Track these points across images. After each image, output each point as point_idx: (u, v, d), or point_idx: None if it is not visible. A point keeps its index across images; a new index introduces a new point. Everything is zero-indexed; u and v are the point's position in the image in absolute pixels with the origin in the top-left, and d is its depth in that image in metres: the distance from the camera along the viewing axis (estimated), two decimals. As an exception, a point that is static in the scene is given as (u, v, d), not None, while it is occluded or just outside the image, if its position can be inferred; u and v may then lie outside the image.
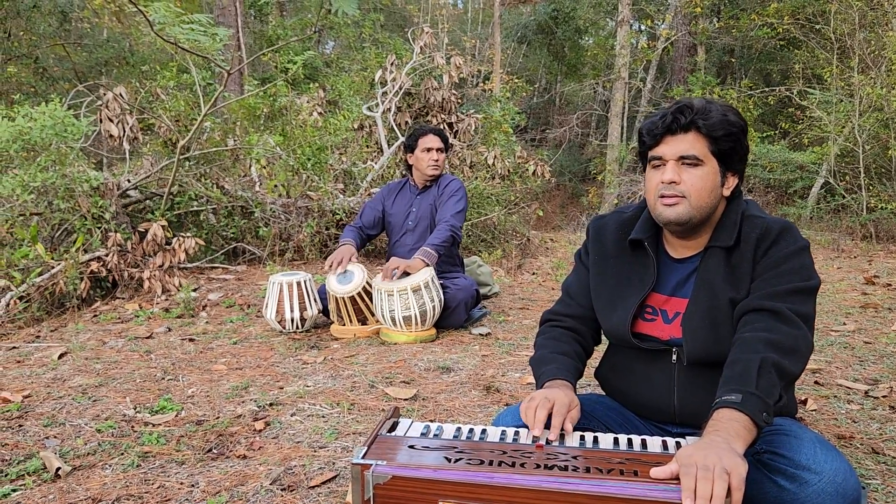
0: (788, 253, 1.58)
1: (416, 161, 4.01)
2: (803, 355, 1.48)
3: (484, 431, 1.53)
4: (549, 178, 8.67)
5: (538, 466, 1.32)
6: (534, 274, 6.21)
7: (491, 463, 1.34)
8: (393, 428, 1.56)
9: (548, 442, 1.46)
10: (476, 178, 7.58)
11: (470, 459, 1.35)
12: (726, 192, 1.64)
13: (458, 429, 1.54)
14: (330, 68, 13.67)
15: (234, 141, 6.13)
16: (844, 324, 3.91)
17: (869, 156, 9.00)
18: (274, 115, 6.49)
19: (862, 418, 2.47)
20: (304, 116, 6.88)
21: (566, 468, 1.32)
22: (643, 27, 18.05)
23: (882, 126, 9.02)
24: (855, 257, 7.10)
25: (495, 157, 8.02)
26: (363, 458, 1.37)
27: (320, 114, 7.74)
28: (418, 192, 4.07)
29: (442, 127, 8.16)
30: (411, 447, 1.44)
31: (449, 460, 1.35)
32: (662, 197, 1.59)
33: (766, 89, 13.46)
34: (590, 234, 1.87)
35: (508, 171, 8.10)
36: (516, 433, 1.51)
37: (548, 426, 1.49)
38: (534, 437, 1.47)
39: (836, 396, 2.71)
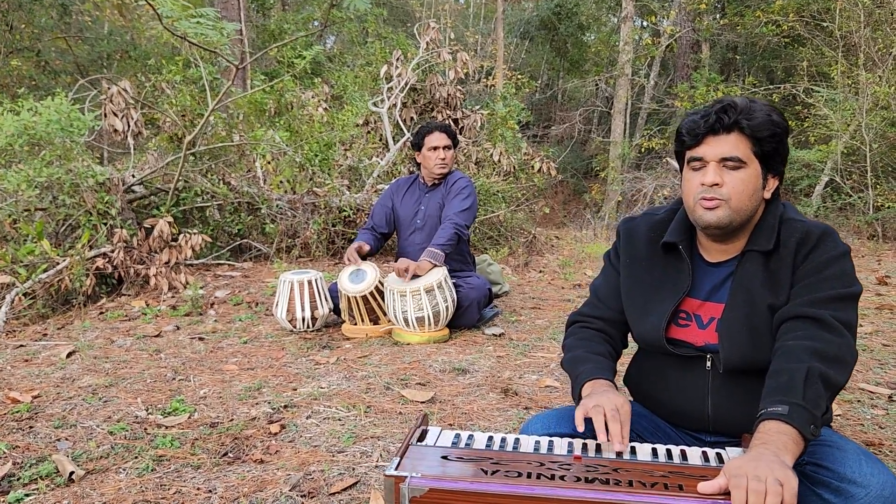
0: (830, 258, 1.53)
1: (423, 160, 3.95)
2: (848, 364, 1.44)
3: (517, 441, 1.48)
4: (554, 175, 8.62)
5: (578, 479, 1.28)
6: (541, 272, 6.16)
7: (529, 475, 1.29)
8: (422, 436, 1.51)
9: (618, 455, 1.41)
10: (482, 175, 7.53)
11: (507, 472, 1.31)
12: (767, 195, 1.59)
13: (490, 438, 1.50)
14: (332, 63, 13.60)
15: (240, 136, 6.07)
16: (861, 325, 3.87)
17: (876, 154, 8.95)
18: (281, 110, 6.43)
19: (889, 424, 2.43)
20: (311, 111, 6.82)
21: (608, 482, 1.27)
22: (646, 24, 17.96)
23: (889, 125, 8.98)
24: (863, 257, 7.06)
25: (501, 153, 7.97)
26: (397, 469, 1.32)
27: (325, 109, 7.68)
28: (427, 190, 4.01)
29: (448, 123, 8.11)
30: (444, 458, 1.39)
31: (486, 472, 1.31)
32: (703, 199, 1.54)
33: (771, 87, 13.40)
34: (620, 235, 1.81)
35: (514, 167, 8.05)
36: (550, 443, 1.47)
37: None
38: (617, 452, 1.40)
39: (859, 401, 2.67)
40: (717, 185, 1.52)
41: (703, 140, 1.54)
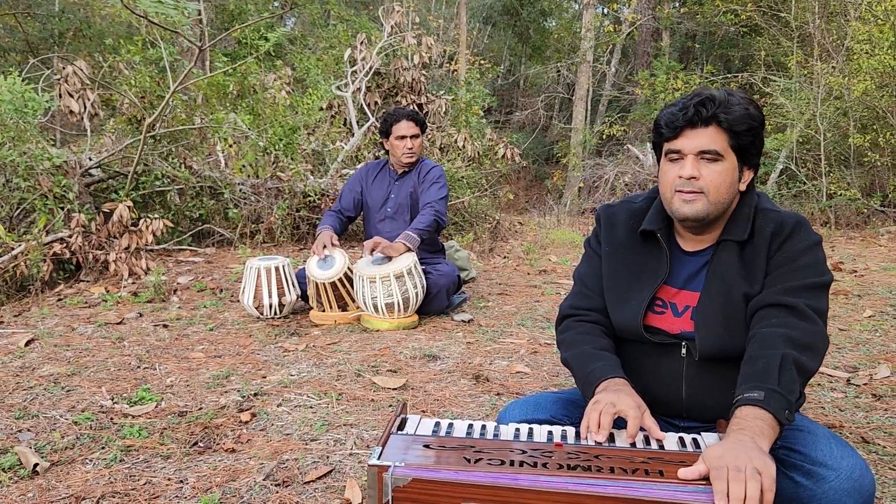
0: (803, 248, 1.56)
1: (391, 148, 3.92)
2: (820, 351, 1.48)
3: (497, 428, 1.49)
4: (518, 161, 8.65)
5: (561, 467, 1.29)
6: (505, 258, 6.19)
7: (512, 463, 1.30)
8: (402, 425, 1.51)
9: (597, 442, 1.41)
10: (446, 160, 7.51)
11: (490, 460, 1.31)
12: (742, 187, 1.62)
13: (471, 426, 1.50)
14: (294, 45, 13.38)
15: (201, 119, 5.95)
16: (817, 311, 3.97)
17: (829, 143, 9.17)
18: (243, 93, 6.31)
19: (848, 406, 2.51)
20: (274, 94, 6.70)
21: (590, 468, 1.28)
22: (608, 11, 18.06)
23: (842, 115, 9.20)
24: (817, 243, 7.23)
25: (465, 139, 7.96)
26: (379, 459, 1.31)
27: (288, 93, 7.57)
28: (397, 177, 3.98)
29: (414, 109, 8.06)
30: (427, 446, 1.39)
31: (469, 461, 1.31)
32: (680, 192, 1.56)
33: (729, 75, 13.61)
34: (601, 222, 1.82)
35: (478, 153, 8.04)
36: (530, 430, 1.48)
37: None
38: (596, 441, 1.41)
39: (819, 385, 2.75)
40: (694, 178, 1.54)
41: (681, 133, 1.55)
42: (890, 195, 8.65)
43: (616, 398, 1.46)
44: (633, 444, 1.41)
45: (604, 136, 15.31)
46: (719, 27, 15.41)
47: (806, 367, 1.42)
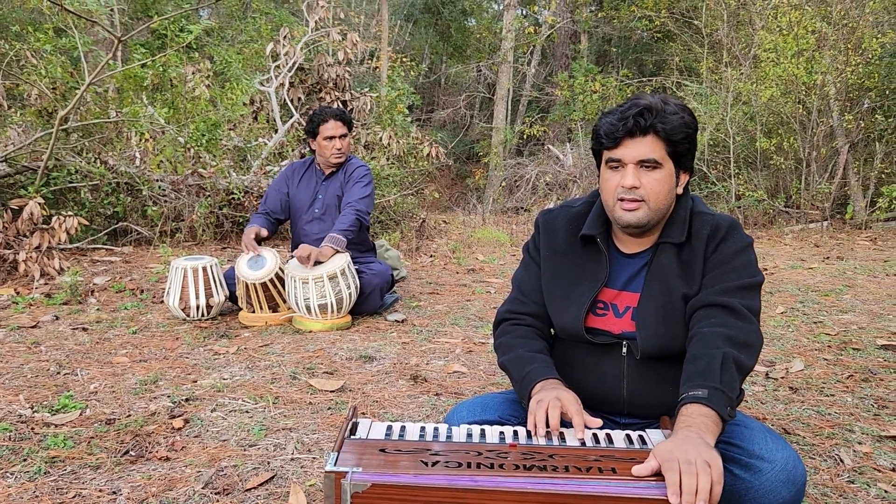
0: (737, 249, 1.64)
1: (318, 148, 3.84)
2: (756, 349, 1.55)
3: (450, 430, 1.50)
4: (442, 160, 8.68)
5: (517, 467, 1.31)
6: (431, 257, 6.21)
7: (469, 465, 1.31)
8: (354, 429, 1.50)
9: (548, 439, 1.45)
10: (372, 158, 7.47)
11: (448, 462, 1.32)
12: (679, 191, 1.68)
13: (423, 428, 1.50)
14: (210, 37, 12.99)
15: (117, 112, 5.70)
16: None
17: (738, 146, 9.61)
18: (162, 85, 6.08)
19: (768, 399, 2.65)
20: (195, 87, 6.49)
21: (545, 468, 1.31)
22: (528, 12, 18.35)
23: (749, 119, 9.66)
24: (728, 242, 7.57)
25: (390, 137, 7.93)
26: (336, 465, 1.30)
27: (207, 86, 7.35)
28: (324, 177, 3.90)
29: (336, 105, 7.97)
30: (383, 451, 1.38)
31: (426, 464, 1.31)
32: (622, 201, 1.61)
33: (644, 79, 14.08)
34: (540, 228, 1.85)
35: (403, 151, 8.03)
36: (482, 431, 1.50)
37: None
38: (501, 434, 1.45)
39: (740, 378, 2.88)
40: (635, 187, 1.59)
41: (620, 142, 1.60)
42: (793, 196, 9.14)
43: (557, 394, 1.50)
44: (584, 443, 1.45)
45: (524, 136, 15.56)
46: (634, 32, 15.94)
47: (744, 365, 1.49)
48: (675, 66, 13.17)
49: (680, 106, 1.64)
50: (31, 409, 2.47)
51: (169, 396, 2.59)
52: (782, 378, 2.88)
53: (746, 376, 1.53)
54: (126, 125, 5.79)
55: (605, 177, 1.65)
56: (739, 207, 9.12)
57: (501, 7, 17.71)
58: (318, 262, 3.45)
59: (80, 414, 2.44)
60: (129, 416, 2.42)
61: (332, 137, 3.77)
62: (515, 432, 1.49)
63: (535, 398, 1.51)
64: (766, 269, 5.44)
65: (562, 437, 1.48)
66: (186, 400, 2.56)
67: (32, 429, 2.31)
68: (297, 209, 3.90)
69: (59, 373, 2.85)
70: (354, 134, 7.83)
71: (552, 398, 1.48)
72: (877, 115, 8.78)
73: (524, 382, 1.62)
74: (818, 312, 4.00)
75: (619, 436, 1.49)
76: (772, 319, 3.83)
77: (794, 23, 9.00)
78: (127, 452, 2.16)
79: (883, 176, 8.94)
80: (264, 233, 3.69)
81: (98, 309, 3.86)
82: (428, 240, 7.15)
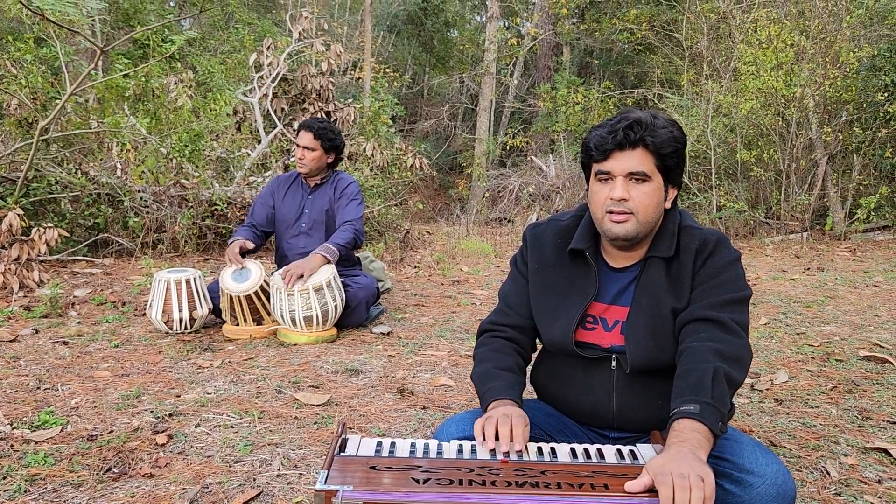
0: (725, 264, 1.65)
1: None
2: (746, 363, 1.56)
3: (440, 446, 1.48)
4: (426, 171, 8.69)
5: (510, 484, 1.30)
6: (415, 268, 6.20)
7: (461, 482, 1.30)
8: (343, 446, 1.48)
9: (506, 455, 1.44)
10: (355, 169, 7.45)
11: (439, 479, 1.31)
12: (667, 205, 1.69)
13: (413, 444, 1.49)
14: (192, 47, 12.95)
15: (98, 123, 5.65)
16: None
17: (719, 157, 9.72)
18: (144, 96, 6.04)
19: (754, 411, 2.66)
20: (178, 98, 6.45)
21: (538, 485, 1.30)
22: (510, 24, 18.47)
23: (729, 131, 9.77)
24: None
25: (374, 148, 7.92)
26: (326, 483, 1.29)
27: (190, 97, 7.31)
28: (310, 191, 3.88)
29: (320, 115, 7.96)
30: (373, 468, 1.37)
31: (417, 481, 1.30)
32: (611, 213, 1.61)
33: (625, 91, 14.21)
34: (527, 241, 1.85)
35: (387, 162, 8.03)
36: (473, 447, 1.48)
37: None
38: (492, 451, 1.44)
39: (725, 390, 2.89)
40: (624, 199, 1.60)
41: (610, 155, 1.61)
42: (774, 207, 9.24)
43: (506, 410, 1.51)
44: (575, 457, 1.45)
45: (507, 147, 15.63)
46: (616, 44, 16.08)
47: (735, 379, 1.50)
48: (656, 78, 13.30)
49: (669, 121, 1.65)
50: (11, 425, 2.42)
51: (152, 411, 2.55)
52: (767, 390, 2.89)
53: (736, 390, 1.54)
54: (107, 136, 5.73)
55: (595, 189, 1.66)
56: (721, 218, 9.21)
57: (484, 19, 17.80)
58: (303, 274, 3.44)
59: (61, 430, 2.40)
60: (112, 431, 2.38)
61: (298, 146, 3.77)
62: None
63: (486, 415, 1.52)
64: (748, 280, 5.47)
65: (553, 452, 1.47)
66: (170, 415, 2.52)
67: (12, 446, 2.26)
68: (283, 222, 3.87)
69: (39, 388, 2.80)
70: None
71: (501, 415, 1.48)
72: (854, 128, 8.91)
73: (483, 398, 1.63)
74: (801, 323, 4.04)
75: (610, 451, 1.49)
76: (756, 331, 3.86)
77: (774, 36, 9.12)
78: (109, 469, 2.12)
79: (861, 187, 9.07)
80: (250, 245, 3.66)
81: (79, 322, 3.81)
82: (412, 251, 7.14)
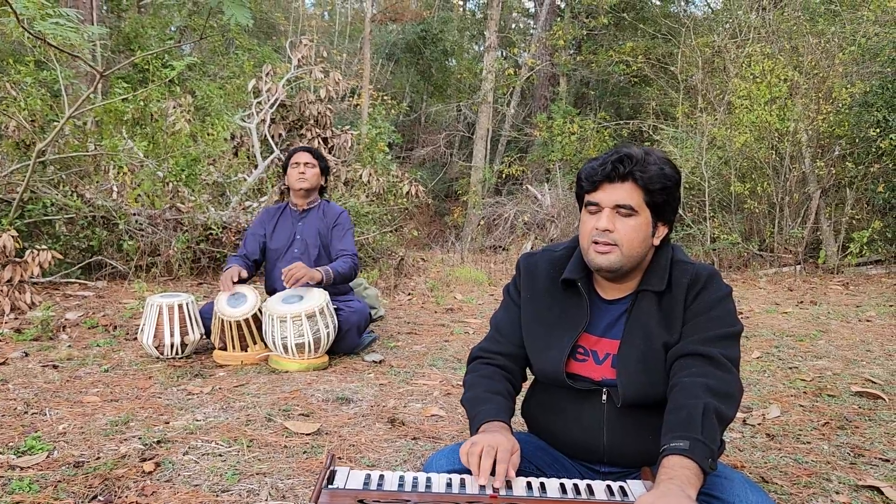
0: (716, 298, 1.66)
1: (288, 181, 3.90)
2: (736, 400, 1.56)
3: (429, 480, 1.48)
4: (422, 198, 8.72)
5: (498, 520, 1.29)
6: (409, 295, 6.20)
7: (449, 517, 1.29)
8: (331, 478, 1.47)
9: (495, 490, 1.43)
10: (349, 195, 7.48)
11: (428, 514, 1.30)
12: (656, 242, 1.70)
13: (402, 478, 1.48)
14: (192, 72, 13.04)
15: (95, 146, 5.67)
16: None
17: (714, 189, 9.78)
18: (143, 120, 6.07)
19: (745, 446, 2.65)
20: (176, 122, 6.48)
21: (527, 521, 1.30)
22: (508, 54, 18.68)
23: (723, 163, 9.85)
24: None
25: (371, 174, 7.96)
26: (313, 516, 1.28)
27: (188, 121, 7.35)
28: (300, 216, 3.91)
29: (317, 142, 8.00)
30: (361, 502, 1.36)
31: (406, 516, 1.30)
32: (595, 244, 1.63)
33: (621, 122, 14.33)
34: (521, 271, 1.86)
35: (383, 189, 8.06)
36: (462, 480, 1.48)
37: (492, 473, 1.45)
38: (480, 486, 1.43)
39: (718, 424, 2.88)
40: (609, 230, 1.61)
41: (599, 186, 1.63)
42: (767, 240, 9.28)
43: (492, 439, 1.49)
44: (565, 492, 1.44)
45: (503, 175, 15.71)
46: (612, 76, 16.27)
47: (725, 416, 1.50)
48: (651, 109, 13.43)
49: (663, 159, 1.66)
50: (-3, 450, 2.40)
51: (140, 438, 2.53)
52: (759, 424, 2.88)
53: (727, 427, 1.53)
54: (105, 159, 5.75)
55: (584, 220, 1.68)
56: (714, 250, 9.24)
57: (482, 48, 18.02)
58: (299, 296, 3.44)
59: (48, 456, 2.37)
60: (99, 458, 2.36)
61: (297, 164, 3.82)
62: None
63: (470, 441, 1.51)
64: (741, 313, 5.49)
65: (543, 487, 1.46)
66: (158, 442, 2.50)
67: (-3, 471, 2.24)
68: (275, 251, 3.90)
69: (26, 412, 2.78)
70: (335, 171, 7.85)
71: (486, 445, 1.46)
72: (847, 162, 8.99)
73: (473, 423, 1.63)
74: (793, 358, 4.04)
75: (599, 486, 1.48)
76: (748, 364, 3.85)
77: (767, 71, 9.24)
78: (95, 497, 2.09)
79: (854, 221, 9.12)
80: (244, 273, 3.66)
81: (69, 345, 3.79)
82: (406, 277, 7.13)
